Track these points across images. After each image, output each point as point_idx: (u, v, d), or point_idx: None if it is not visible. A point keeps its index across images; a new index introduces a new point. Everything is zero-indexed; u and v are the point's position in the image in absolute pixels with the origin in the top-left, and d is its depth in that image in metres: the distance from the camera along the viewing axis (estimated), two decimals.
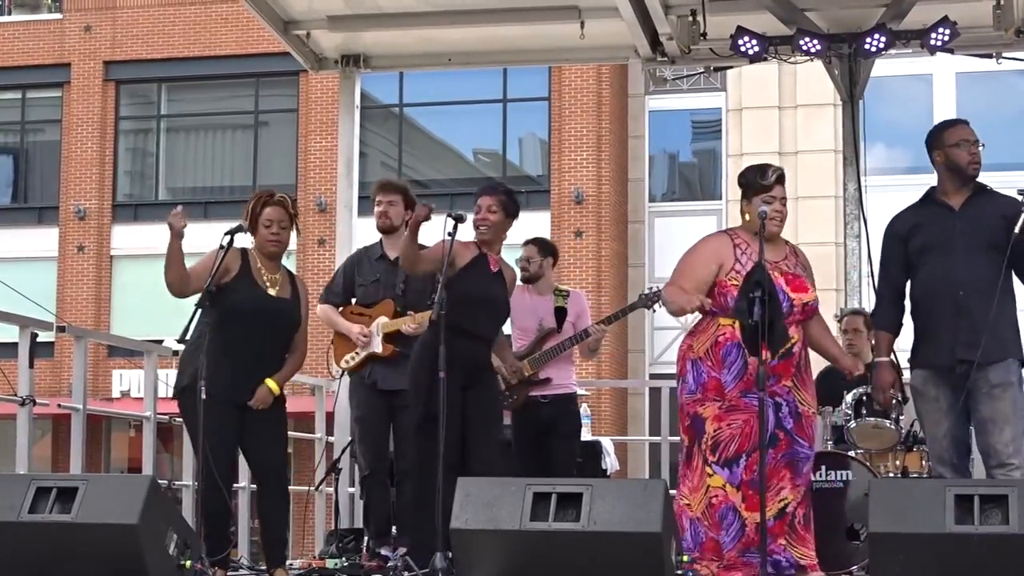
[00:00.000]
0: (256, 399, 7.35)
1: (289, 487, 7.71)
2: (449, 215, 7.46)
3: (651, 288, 9.32)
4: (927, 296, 7.04)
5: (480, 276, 7.65)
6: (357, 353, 8.52)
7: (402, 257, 7.70)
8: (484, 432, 7.62)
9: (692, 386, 6.91)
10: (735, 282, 6.80)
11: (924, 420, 7.19)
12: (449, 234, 7.39)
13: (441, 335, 7.19)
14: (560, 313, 8.96)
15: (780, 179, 7.01)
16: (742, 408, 6.82)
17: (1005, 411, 6.79)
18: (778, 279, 6.81)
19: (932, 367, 6.96)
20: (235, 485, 8.32)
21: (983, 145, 7.08)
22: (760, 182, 6.96)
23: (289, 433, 8.72)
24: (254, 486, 9.87)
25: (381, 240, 8.73)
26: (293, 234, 7.63)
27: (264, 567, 8.32)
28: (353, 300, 8.69)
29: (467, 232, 7.64)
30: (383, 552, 8.51)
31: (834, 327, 9.54)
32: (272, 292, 7.47)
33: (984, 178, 7.15)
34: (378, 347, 8.48)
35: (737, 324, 6.67)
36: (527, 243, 9.20)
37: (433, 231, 7.52)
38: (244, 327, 7.36)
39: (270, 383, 7.40)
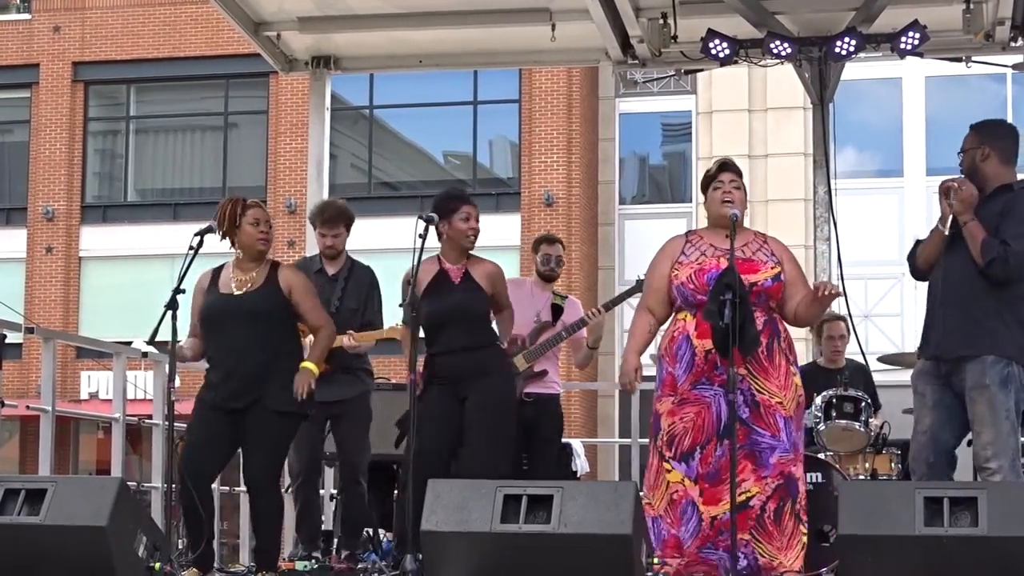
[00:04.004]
0: (297, 386, 7.20)
1: (279, 496, 7.49)
2: (420, 217, 7.44)
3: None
4: (928, 291, 7.08)
5: (444, 292, 7.52)
6: None
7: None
8: (483, 436, 7.46)
9: (656, 384, 6.92)
10: (676, 272, 6.85)
11: (914, 415, 7.18)
12: (420, 235, 7.36)
13: (413, 338, 7.17)
14: (556, 310, 8.97)
15: (724, 167, 7.02)
16: (692, 400, 6.73)
17: (982, 413, 6.77)
18: (723, 264, 6.73)
19: (924, 361, 6.99)
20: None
21: (961, 152, 7.06)
22: (707, 175, 7.02)
23: None
24: (224, 488, 9.88)
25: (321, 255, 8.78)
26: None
27: (233, 569, 8.32)
28: None
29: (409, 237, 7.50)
30: (315, 555, 8.55)
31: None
32: (238, 292, 7.36)
33: None
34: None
35: (691, 321, 6.70)
36: (555, 241, 9.19)
37: (405, 233, 7.47)
38: (215, 334, 7.31)
39: (306, 364, 7.30)
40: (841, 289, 6.63)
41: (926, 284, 7.14)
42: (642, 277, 8.61)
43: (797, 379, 6.85)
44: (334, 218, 8.70)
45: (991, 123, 7.19)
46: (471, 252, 7.75)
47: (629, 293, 9.13)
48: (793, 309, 6.85)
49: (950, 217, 6.85)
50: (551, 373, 8.86)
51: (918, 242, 7.19)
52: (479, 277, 7.69)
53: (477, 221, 7.68)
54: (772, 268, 6.83)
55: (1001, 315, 6.83)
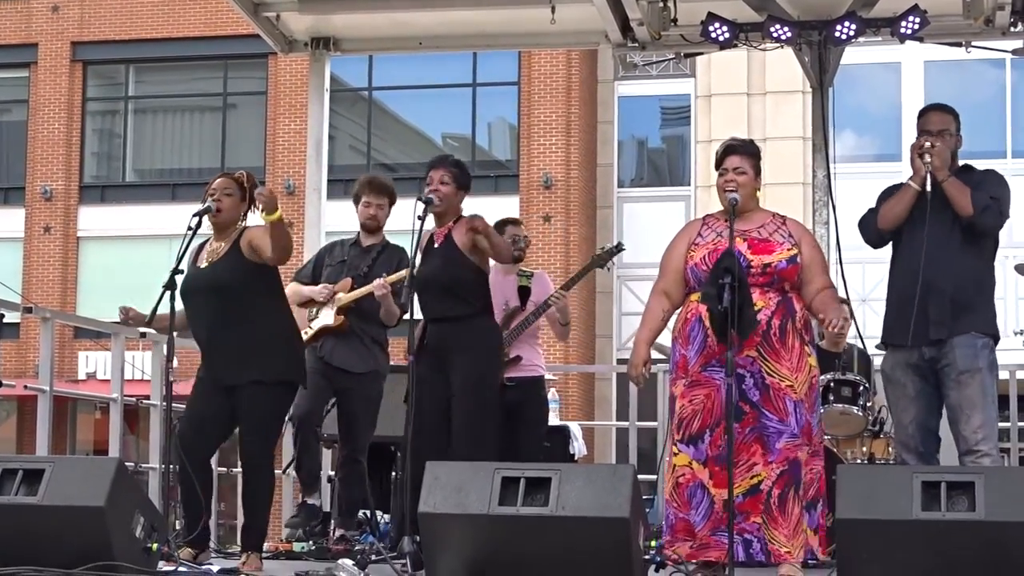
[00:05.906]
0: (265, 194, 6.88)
1: (271, 474, 7.38)
2: (419, 198, 7.45)
3: (603, 247, 9.22)
4: (898, 273, 7.07)
5: (424, 260, 7.47)
6: (311, 327, 8.58)
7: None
8: (464, 431, 7.48)
9: (670, 367, 6.87)
10: (692, 252, 6.79)
11: (892, 405, 7.20)
12: (419, 217, 7.37)
13: (411, 318, 7.18)
14: (523, 292, 8.92)
15: (729, 150, 6.91)
16: (702, 382, 6.65)
17: (972, 397, 6.82)
18: (739, 245, 6.68)
19: (901, 349, 6.98)
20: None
21: (933, 134, 7.09)
22: (716, 159, 6.95)
23: None
24: (223, 469, 9.89)
25: (359, 232, 8.81)
26: (255, 214, 7.45)
27: (230, 550, 8.32)
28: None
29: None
30: (309, 501, 8.63)
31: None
32: (204, 264, 7.28)
33: None
34: (329, 319, 8.57)
35: (704, 309, 6.65)
36: (514, 222, 9.12)
37: (403, 215, 7.47)
38: (191, 309, 7.22)
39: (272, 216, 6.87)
40: (848, 314, 6.62)
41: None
42: (610, 245, 8.93)
43: (812, 360, 6.73)
44: (381, 188, 8.80)
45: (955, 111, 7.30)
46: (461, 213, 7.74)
47: (588, 269, 9.17)
48: (810, 300, 6.76)
49: (927, 176, 6.89)
50: (527, 357, 8.79)
51: (872, 211, 7.19)
52: (457, 237, 7.62)
53: (440, 183, 7.59)
54: (788, 250, 6.73)
55: (981, 288, 7.00)
